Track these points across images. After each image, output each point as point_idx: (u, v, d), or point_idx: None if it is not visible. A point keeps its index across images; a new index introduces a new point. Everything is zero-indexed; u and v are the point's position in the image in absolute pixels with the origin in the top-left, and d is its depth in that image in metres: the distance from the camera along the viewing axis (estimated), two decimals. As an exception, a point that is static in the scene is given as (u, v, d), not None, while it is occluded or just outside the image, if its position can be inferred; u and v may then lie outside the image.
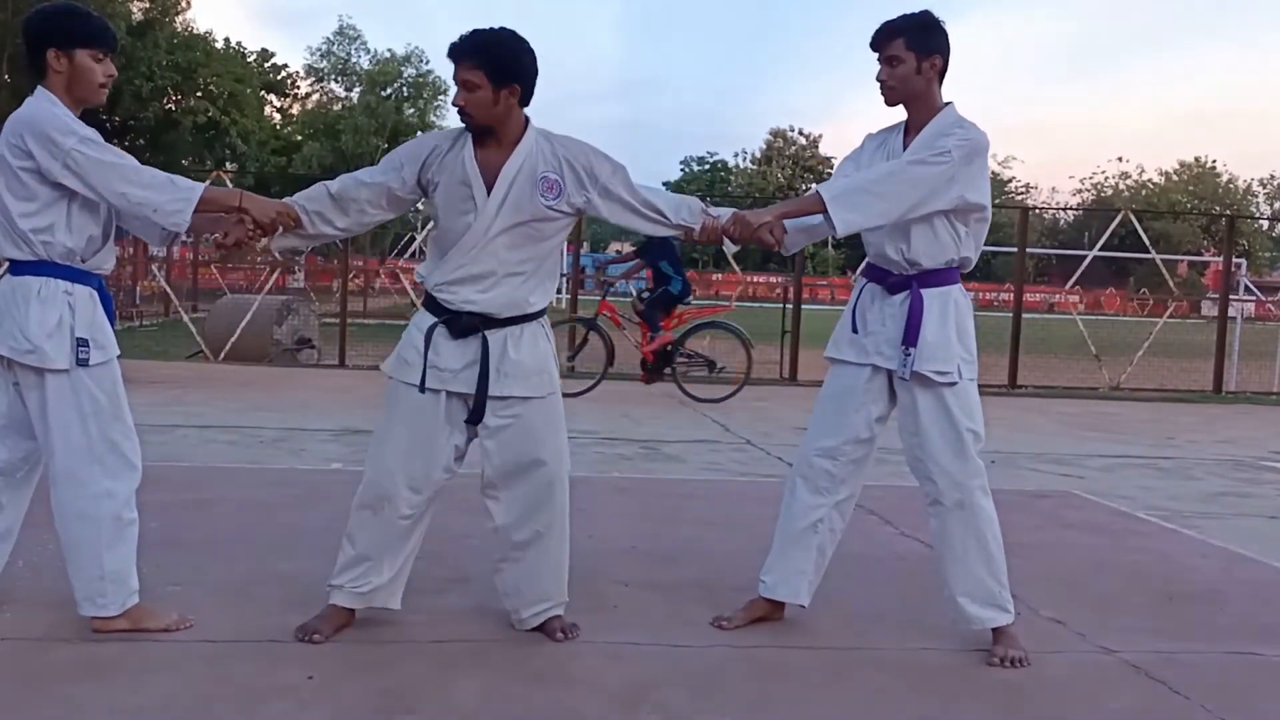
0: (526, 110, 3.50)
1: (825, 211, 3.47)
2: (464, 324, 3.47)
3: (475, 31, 3.39)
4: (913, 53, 3.56)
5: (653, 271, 10.76)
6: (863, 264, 3.96)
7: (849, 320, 3.76)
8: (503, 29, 3.41)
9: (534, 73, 3.44)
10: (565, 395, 3.69)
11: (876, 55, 3.62)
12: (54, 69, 3.30)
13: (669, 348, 10.74)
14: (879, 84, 3.64)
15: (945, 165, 3.47)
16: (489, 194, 3.41)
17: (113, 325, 3.49)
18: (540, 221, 3.47)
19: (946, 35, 3.62)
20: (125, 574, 3.44)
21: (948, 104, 3.63)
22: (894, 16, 3.61)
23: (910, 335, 3.56)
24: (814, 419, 3.83)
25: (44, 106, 3.27)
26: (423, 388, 3.47)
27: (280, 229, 3.45)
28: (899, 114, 3.72)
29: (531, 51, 3.44)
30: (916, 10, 3.62)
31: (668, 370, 10.86)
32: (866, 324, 3.69)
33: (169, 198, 3.26)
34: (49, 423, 3.32)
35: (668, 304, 10.63)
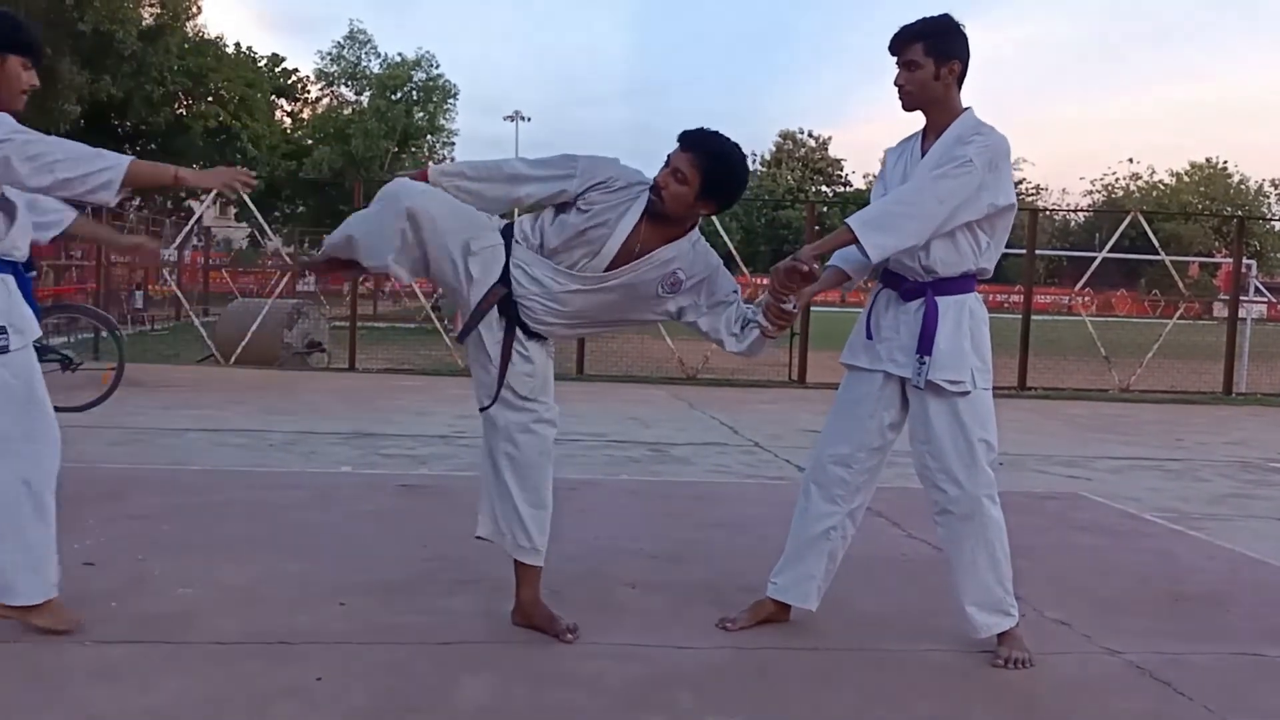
0: None
1: (856, 240, 3.41)
2: (510, 313, 3.53)
3: (717, 133, 3.49)
4: (931, 58, 3.49)
5: None
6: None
7: (864, 326, 3.73)
8: (736, 146, 3.52)
9: (734, 200, 3.61)
10: None
11: (895, 59, 3.56)
12: None
13: None
14: (896, 89, 3.58)
15: (970, 175, 3.41)
16: (617, 268, 3.51)
17: (35, 309, 3.48)
18: (645, 301, 3.61)
19: (966, 40, 3.55)
20: (46, 562, 3.41)
21: (967, 109, 3.58)
22: (912, 20, 3.54)
23: (924, 343, 3.53)
24: (828, 424, 3.82)
25: None
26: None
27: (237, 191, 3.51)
28: (910, 116, 3.69)
29: (745, 183, 3.60)
30: (936, 14, 3.55)
31: None
32: (880, 330, 3.67)
33: (95, 169, 3.19)
34: None
35: None
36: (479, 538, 3.70)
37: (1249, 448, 9.55)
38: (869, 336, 3.70)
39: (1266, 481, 7.77)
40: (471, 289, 3.51)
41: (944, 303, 3.55)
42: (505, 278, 3.52)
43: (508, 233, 3.58)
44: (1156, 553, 5.33)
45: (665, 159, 3.48)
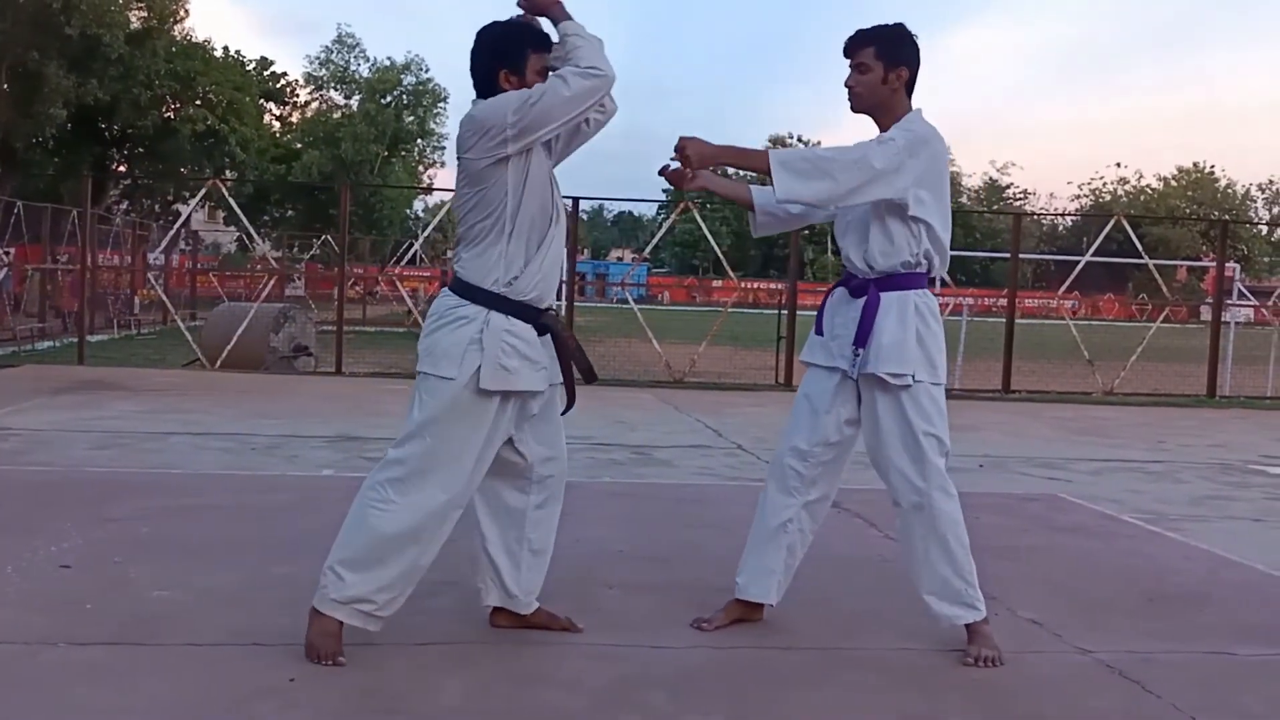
0: None
1: (769, 172, 3.50)
2: (545, 320, 3.46)
3: None
4: (881, 62, 3.64)
5: None
6: None
7: (818, 324, 3.84)
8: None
9: None
10: None
11: (847, 61, 3.69)
12: None
13: None
14: (847, 90, 3.71)
15: (891, 149, 3.52)
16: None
17: None
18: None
19: (917, 49, 3.69)
20: None
21: (916, 110, 3.70)
22: (868, 26, 3.68)
23: (860, 336, 3.62)
24: (789, 420, 3.90)
25: None
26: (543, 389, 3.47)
27: None
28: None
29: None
30: (891, 22, 3.70)
31: None
32: (833, 327, 3.77)
33: None
34: None
35: None
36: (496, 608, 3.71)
37: (1230, 450, 9.60)
38: (819, 333, 3.79)
39: (1246, 484, 7.82)
40: (548, 365, 3.45)
41: (888, 298, 3.64)
42: (528, 312, 3.39)
43: (506, 305, 3.36)
44: (1134, 554, 5.37)
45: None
